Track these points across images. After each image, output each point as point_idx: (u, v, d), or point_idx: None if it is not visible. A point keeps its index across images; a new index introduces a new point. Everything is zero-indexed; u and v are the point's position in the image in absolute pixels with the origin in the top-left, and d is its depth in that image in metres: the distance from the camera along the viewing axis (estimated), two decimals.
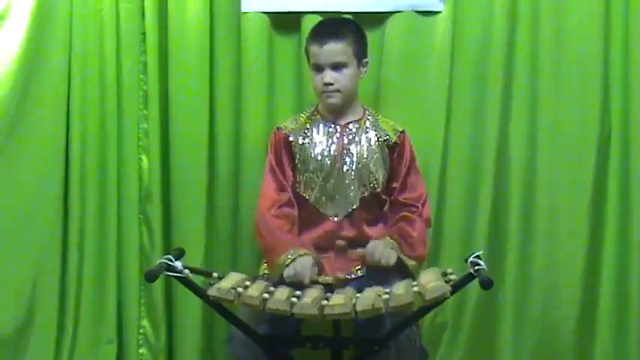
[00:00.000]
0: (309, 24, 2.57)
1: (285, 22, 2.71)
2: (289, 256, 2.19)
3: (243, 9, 2.67)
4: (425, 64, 2.69)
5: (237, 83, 2.74)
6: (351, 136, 2.40)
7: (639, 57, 2.64)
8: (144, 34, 2.73)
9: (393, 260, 2.22)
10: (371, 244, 2.27)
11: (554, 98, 2.70)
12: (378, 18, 2.69)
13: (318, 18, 2.60)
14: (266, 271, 2.37)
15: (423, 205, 2.41)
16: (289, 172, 2.41)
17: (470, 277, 1.95)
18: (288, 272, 2.16)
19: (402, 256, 2.27)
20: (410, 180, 2.42)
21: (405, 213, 2.37)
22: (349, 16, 2.62)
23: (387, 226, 2.40)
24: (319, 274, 2.22)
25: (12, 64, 2.62)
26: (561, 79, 2.69)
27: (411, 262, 2.29)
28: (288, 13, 2.68)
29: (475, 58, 2.71)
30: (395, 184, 2.42)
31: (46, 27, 2.67)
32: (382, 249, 2.23)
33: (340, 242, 2.36)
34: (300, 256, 2.19)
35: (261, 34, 2.69)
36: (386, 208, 2.45)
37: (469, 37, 2.70)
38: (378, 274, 2.21)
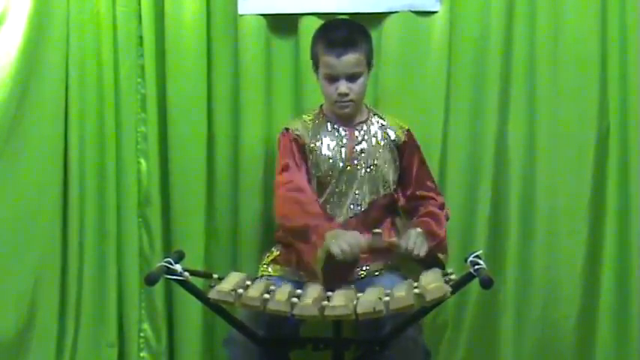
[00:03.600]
0: (306, 25, 2.57)
1: (282, 23, 2.70)
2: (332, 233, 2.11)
3: (240, 11, 2.67)
4: (422, 64, 2.69)
5: (234, 85, 2.73)
6: (360, 138, 2.39)
7: (637, 54, 2.64)
8: (141, 37, 2.72)
9: (424, 252, 2.16)
10: (406, 234, 2.21)
11: (552, 97, 2.69)
12: (375, 19, 2.68)
13: (315, 19, 2.60)
14: (264, 273, 2.37)
15: (441, 202, 2.40)
16: (304, 170, 2.36)
17: (470, 277, 1.95)
18: (340, 246, 2.04)
19: (434, 251, 2.23)
20: (421, 173, 2.42)
21: (432, 209, 2.35)
22: (346, 17, 2.61)
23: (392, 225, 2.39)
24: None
25: (10, 68, 2.62)
26: (559, 77, 2.69)
27: (442, 255, 2.28)
28: (285, 15, 2.68)
29: (472, 58, 2.71)
30: (408, 181, 2.41)
31: (43, 31, 2.66)
32: (416, 238, 2.17)
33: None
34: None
35: (258, 36, 2.68)
36: (401, 203, 2.43)
37: (466, 36, 2.70)
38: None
